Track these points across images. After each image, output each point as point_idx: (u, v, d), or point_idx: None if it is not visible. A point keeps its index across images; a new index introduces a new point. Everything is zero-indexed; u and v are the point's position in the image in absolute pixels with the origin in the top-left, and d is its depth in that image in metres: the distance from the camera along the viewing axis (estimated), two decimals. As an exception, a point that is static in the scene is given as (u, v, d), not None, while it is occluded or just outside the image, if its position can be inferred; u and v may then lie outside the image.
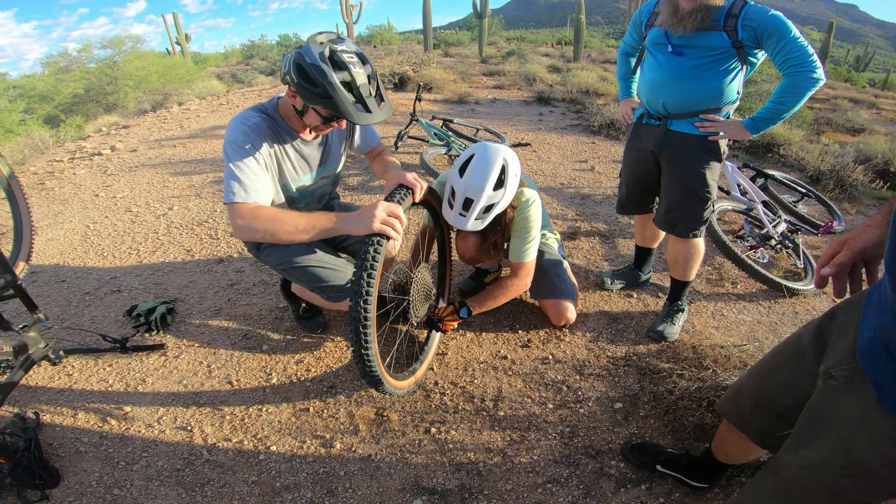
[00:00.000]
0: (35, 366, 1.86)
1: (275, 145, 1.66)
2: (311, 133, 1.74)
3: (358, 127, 1.95)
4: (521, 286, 2.02)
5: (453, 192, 1.78)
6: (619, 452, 1.63)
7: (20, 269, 2.03)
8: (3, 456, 1.47)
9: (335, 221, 1.55)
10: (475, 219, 1.77)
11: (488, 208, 1.76)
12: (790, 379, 1.00)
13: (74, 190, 4.07)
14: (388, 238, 1.50)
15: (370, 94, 1.50)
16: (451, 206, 1.78)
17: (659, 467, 1.53)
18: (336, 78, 1.42)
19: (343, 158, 1.98)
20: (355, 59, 1.48)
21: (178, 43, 13.31)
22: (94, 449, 1.68)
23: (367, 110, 1.49)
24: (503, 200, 1.77)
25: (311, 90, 1.44)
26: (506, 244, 2.03)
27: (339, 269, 1.82)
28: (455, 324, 2.00)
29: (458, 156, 4.13)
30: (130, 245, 3.07)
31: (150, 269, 2.80)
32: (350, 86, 1.45)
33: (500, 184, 1.73)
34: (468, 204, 1.74)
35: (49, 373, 2.02)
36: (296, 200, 1.84)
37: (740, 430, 1.18)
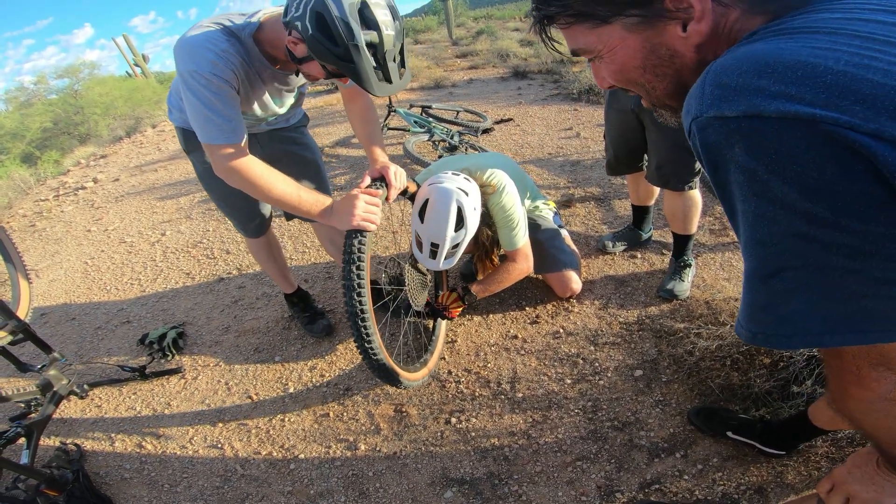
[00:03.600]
0: (64, 401, 1.92)
1: (246, 77, 1.40)
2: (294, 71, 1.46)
3: None
4: (523, 270, 2.03)
5: (419, 235, 1.75)
6: (686, 418, 1.58)
7: (24, 312, 2.02)
8: (54, 488, 1.51)
9: (320, 211, 1.46)
10: (445, 259, 1.75)
11: (455, 246, 1.75)
12: None
13: (66, 228, 4.04)
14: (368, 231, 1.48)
15: (394, 59, 1.24)
16: (421, 249, 1.76)
17: (730, 433, 1.45)
18: (364, 39, 1.16)
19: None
20: (388, 15, 1.19)
21: (136, 65, 12.91)
22: (137, 475, 1.73)
23: (388, 80, 1.24)
24: (468, 236, 1.74)
25: (329, 49, 1.17)
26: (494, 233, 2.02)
27: (255, 211, 1.93)
28: (460, 310, 2.01)
29: (441, 141, 4.13)
30: (131, 276, 3.07)
31: (155, 296, 2.80)
32: (375, 48, 1.19)
33: (460, 223, 1.70)
34: (435, 246, 1.73)
35: (80, 406, 2.07)
36: (253, 128, 1.69)
37: None
